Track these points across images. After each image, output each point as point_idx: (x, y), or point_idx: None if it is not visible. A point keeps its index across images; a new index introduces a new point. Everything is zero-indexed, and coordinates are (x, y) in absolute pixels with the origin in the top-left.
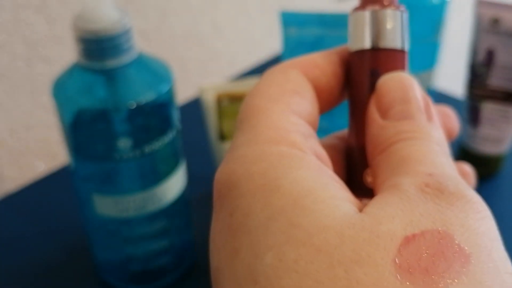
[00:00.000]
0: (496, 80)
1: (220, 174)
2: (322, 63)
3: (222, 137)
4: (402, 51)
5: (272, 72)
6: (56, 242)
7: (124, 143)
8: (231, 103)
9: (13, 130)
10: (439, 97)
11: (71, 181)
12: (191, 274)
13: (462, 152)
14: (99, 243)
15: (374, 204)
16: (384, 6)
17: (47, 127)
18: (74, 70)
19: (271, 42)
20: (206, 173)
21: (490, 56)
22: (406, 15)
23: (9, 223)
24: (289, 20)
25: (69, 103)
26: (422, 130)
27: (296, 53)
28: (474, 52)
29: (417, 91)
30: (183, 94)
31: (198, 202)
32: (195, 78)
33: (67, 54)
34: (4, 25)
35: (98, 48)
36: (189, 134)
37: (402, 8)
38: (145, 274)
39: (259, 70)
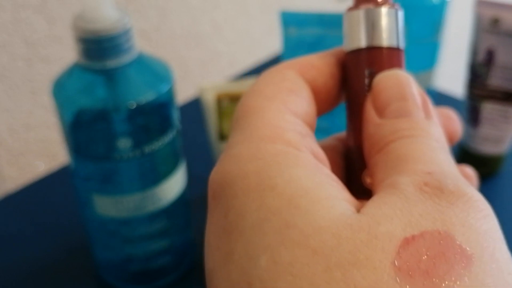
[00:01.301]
0: (496, 80)
1: (215, 174)
2: (319, 64)
3: (222, 137)
4: (398, 49)
5: (269, 73)
6: (56, 242)
7: (124, 143)
8: (231, 103)
9: (13, 130)
10: (439, 97)
11: (71, 181)
12: (191, 274)
13: (462, 152)
14: (99, 243)
15: (371, 204)
16: (378, 4)
17: (47, 127)
18: (74, 70)
19: (271, 42)
20: (206, 173)
21: (490, 56)
22: (401, 13)
23: (9, 223)
24: (289, 20)
25: (69, 103)
26: (420, 127)
27: (296, 53)
28: (474, 52)
29: (414, 88)
30: (183, 94)
31: (198, 202)
32: (195, 78)
33: (67, 54)
34: (4, 25)
35: (98, 48)
36: (189, 134)
37: (397, 6)
38: (145, 274)
39: (259, 70)
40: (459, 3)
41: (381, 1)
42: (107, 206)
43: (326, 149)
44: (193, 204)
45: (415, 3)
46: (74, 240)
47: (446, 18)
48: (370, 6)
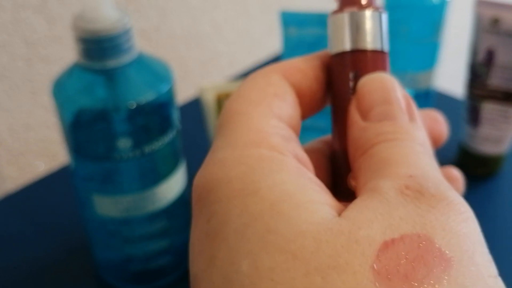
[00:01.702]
0: (496, 80)
1: (199, 178)
2: (304, 67)
3: None
4: (382, 52)
5: (254, 77)
6: (56, 242)
7: (124, 143)
8: None
9: (13, 130)
10: (439, 97)
11: (71, 181)
12: None
13: (462, 152)
14: (99, 243)
15: (353, 208)
16: (362, 8)
17: (47, 127)
18: (74, 70)
19: (271, 42)
20: None
21: (490, 56)
22: (385, 16)
23: (9, 223)
24: (289, 20)
25: (69, 103)
26: (404, 130)
27: (296, 53)
28: (474, 52)
29: (398, 92)
30: (183, 94)
31: None
32: (195, 78)
33: (67, 54)
34: (4, 25)
35: (98, 48)
36: (189, 134)
37: (381, 9)
38: (145, 274)
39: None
40: (459, 3)
41: (365, 4)
42: (107, 206)
43: (312, 152)
44: None
45: (415, 3)
46: (74, 240)
47: (446, 18)
48: (354, 9)
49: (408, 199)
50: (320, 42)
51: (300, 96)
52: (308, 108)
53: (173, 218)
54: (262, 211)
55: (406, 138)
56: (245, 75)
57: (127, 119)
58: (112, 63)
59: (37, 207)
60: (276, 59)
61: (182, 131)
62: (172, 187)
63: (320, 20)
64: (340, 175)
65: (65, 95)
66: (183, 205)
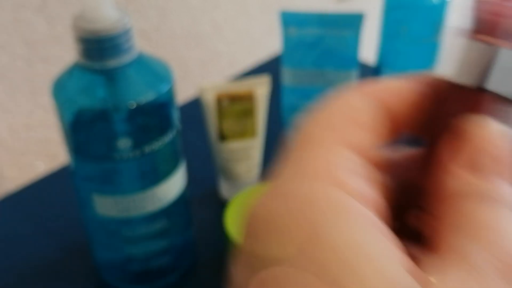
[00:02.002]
0: None
1: (260, 209)
2: (402, 90)
3: (222, 137)
4: (504, 98)
5: (338, 97)
6: (56, 242)
7: (124, 143)
8: (231, 103)
9: (13, 130)
10: None
11: (71, 181)
12: (191, 274)
13: None
14: (99, 243)
15: (432, 271)
16: (500, 42)
17: (47, 127)
18: (74, 70)
19: (271, 42)
20: (206, 173)
21: None
22: None
23: (9, 223)
24: (289, 20)
25: (69, 103)
26: (499, 193)
27: (296, 53)
28: None
29: (504, 147)
30: (183, 94)
31: (198, 202)
32: (195, 78)
33: (67, 54)
34: (4, 25)
35: (98, 48)
36: (189, 134)
37: None
38: (145, 274)
39: (259, 70)
40: (459, 3)
41: (504, 37)
42: (107, 206)
43: (377, 184)
44: (193, 204)
45: (415, 3)
46: (74, 240)
47: (446, 18)
48: (492, 40)
49: (500, 276)
50: (320, 42)
51: (392, 121)
52: (398, 133)
53: (173, 218)
54: (327, 260)
55: (500, 202)
56: (245, 75)
57: (127, 119)
58: (112, 63)
59: (37, 207)
60: (276, 59)
61: (182, 131)
62: (172, 187)
63: (320, 20)
64: (405, 209)
65: (65, 95)
66: (183, 205)
